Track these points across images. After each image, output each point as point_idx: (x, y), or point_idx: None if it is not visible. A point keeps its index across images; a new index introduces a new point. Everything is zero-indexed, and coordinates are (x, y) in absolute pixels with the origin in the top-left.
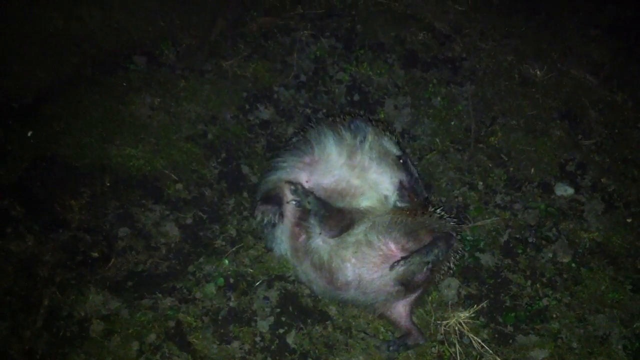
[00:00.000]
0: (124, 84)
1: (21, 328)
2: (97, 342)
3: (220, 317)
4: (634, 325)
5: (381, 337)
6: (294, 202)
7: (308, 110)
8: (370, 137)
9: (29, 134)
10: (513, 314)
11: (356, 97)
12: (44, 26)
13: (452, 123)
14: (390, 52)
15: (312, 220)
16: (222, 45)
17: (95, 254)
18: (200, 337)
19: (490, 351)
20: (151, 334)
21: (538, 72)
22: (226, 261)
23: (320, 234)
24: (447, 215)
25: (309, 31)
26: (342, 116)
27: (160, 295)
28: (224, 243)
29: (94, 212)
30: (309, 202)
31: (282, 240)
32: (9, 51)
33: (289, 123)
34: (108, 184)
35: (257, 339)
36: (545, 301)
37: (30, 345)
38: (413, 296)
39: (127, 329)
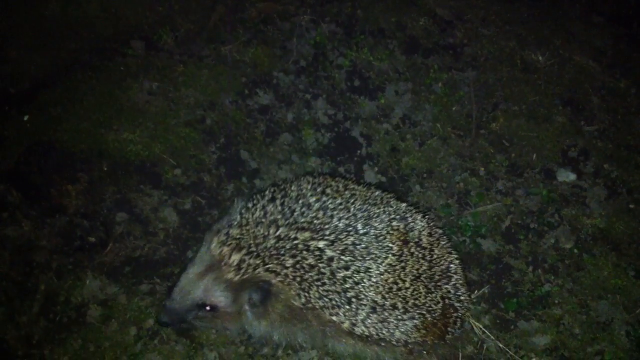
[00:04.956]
0: (122, 69)
1: (17, 314)
2: (94, 328)
3: None
4: (637, 311)
5: None
6: None
7: (308, 96)
8: None
9: (25, 118)
10: (515, 300)
11: (356, 83)
12: (41, 12)
13: (454, 109)
14: (391, 37)
15: None
16: (221, 31)
17: (93, 239)
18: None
19: (492, 337)
20: (149, 319)
21: (540, 58)
22: None
23: None
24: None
25: (308, 16)
26: None
27: (158, 280)
28: None
29: (92, 198)
30: None
31: None
32: (6, 37)
33: (288, 108)
34: (105, 169)
35: None
36: (547, 287)
37: (27, 330)
38: None
39: (125, 314)
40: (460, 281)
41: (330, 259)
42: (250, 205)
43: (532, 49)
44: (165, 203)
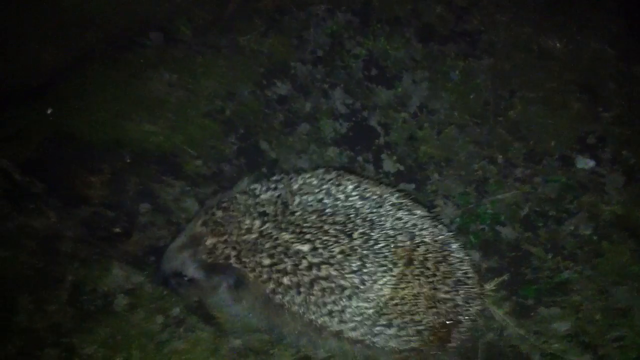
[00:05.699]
0: (141, 61)
1: (46, 303)
2: (121, 316)
3: None
4: None
5: None
6: None
7: (325, 85)
8: None
9: (49, 111)
10: (534, 287)
11: (373, 72)
12: (59, 3)
13: (471, 96)
14: (407, 26)
15: None
16: (238, 21)
17: (117, 230)
18: (224, 310)
19: (512, 324)
20: (175, 308)
21: (557, 44)
22: None
23: None
24: None
25: (324, 5)
26: None
27: None
28: None
29: (115, 188)
30: None
31: None
32: (24, 29)
33: (306, 98)
34: (129, 161)
35: None
36: (566, 274)
37: (56, 319)
38: None
39: (151, 303)
40: (472, 289)
41: (310, 266)
42: (248, 189)
43: (548, 35)
44: (187, 193)
